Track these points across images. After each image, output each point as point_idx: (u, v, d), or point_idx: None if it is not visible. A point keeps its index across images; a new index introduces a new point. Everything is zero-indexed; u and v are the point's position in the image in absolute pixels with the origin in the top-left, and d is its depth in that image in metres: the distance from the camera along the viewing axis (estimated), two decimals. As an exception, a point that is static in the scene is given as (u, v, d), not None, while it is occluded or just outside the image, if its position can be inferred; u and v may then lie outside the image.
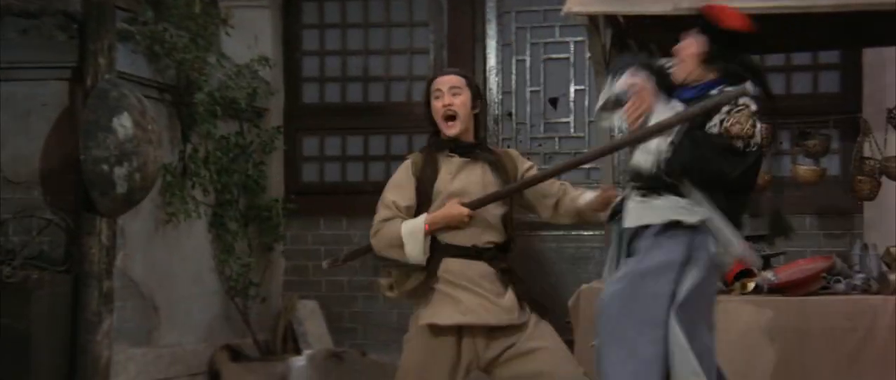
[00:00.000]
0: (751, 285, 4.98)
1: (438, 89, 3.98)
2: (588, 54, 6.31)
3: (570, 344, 5.07)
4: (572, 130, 6.99)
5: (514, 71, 7.07)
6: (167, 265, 6.09)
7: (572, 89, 7.00)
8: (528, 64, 7.05)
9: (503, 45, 7.10)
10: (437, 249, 3.87)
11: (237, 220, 6.54)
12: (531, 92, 7.05)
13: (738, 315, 4.77)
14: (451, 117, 3.93)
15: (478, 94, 4.04)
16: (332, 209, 7.01)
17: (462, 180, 3.94)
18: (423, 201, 3.93)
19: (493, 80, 7.11)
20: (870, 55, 6.26)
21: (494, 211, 3.91)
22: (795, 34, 5.32)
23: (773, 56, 6.58)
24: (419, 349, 3.89)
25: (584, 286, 5.15)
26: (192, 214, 6.15)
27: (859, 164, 5.71)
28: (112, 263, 5.35)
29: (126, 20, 5.69)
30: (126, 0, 5.55)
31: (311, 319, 6.72)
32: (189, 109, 6.14)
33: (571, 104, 7.01)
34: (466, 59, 7.00)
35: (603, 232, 5.66)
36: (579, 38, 6.73)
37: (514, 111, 7.04)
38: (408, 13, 7.19)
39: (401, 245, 3.85)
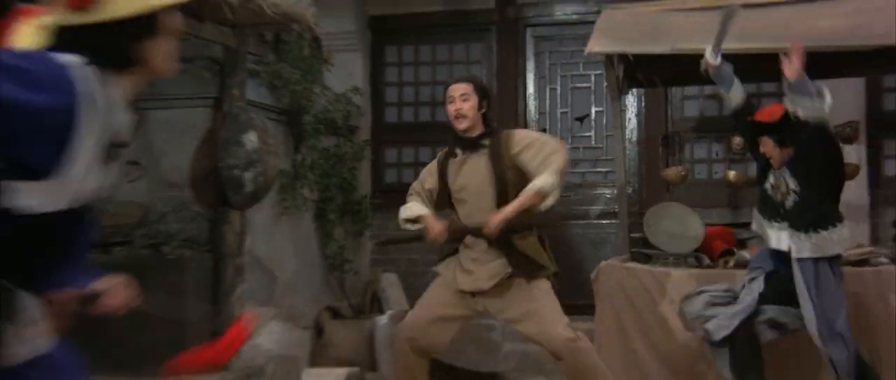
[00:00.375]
0: (732, 262, 5.00)
1: (451, 96, 3.96)
2: (605, 83, 6.29)
3: (590, 307, 5.17)
4: (593, 142, 6.97)
5: (547, 97, 7.07)
6: (283, 247, 6.16)
7: (593, 110, 6.99)
8: (558, 91, 7.04)
9: (539, 77, 7.09)
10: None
11: (335, 212, 6.59)
12: (561, 113, 7.05)
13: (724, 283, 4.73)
14: (460, 117, 3.96)
15: (484, 95, 3.98)
16: (407, 204, 7.09)
17: (464, 176, 3.98)
18: (442, 188, 4.02)
19: (531, 104, 7.09)
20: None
21: (488, 200, 3.91)
22: (764, 68, 5.19)
23: (745, 84, 6.53)
24: (433, 288, 4.08)
25: (602, 263, 5.16)
26: (301, 208, 6.24)
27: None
28: (242, 245, 5.43)
29: (254, 62, 5.82)
30: (254, 46, 5.64)
31: (391, 287, 6.72)
32: (299, 128, 6.24)
33: (592, 122, 6.99)
34: (511, 88, 7.04)
35: (618, 221, 5.72)
36: (598, 72, 6.74)
37: (547, 128, 7.01)
38: (466, 53, 7.21)
39: (401, 219, 4.05)
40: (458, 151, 3.99)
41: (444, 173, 4.03)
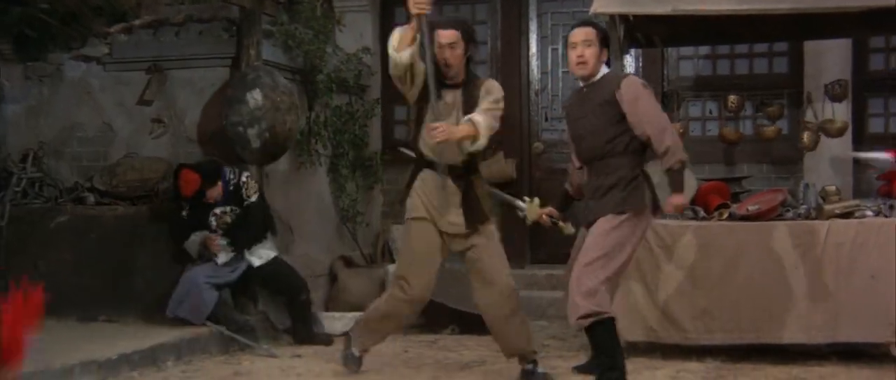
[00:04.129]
0: (726, 214, 4.95)
1: (440, 43, 3.85)
2: (606, 44, 6.34)
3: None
4: (593, 101, 6.94)
5: (549, 57, 6.98)
6: (299, 199, 6.16)
7: (593, 70, 6.96)
8: (560, 51, 6.90)
9: (541, 37, 7.00)
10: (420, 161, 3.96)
11: (348, 167, 6.56)
12: (563, 72, 6.92)
13: (719, 235, 4.80)
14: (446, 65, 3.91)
15: (471, 39, 3.93)
16: (415, 159, 7.01)
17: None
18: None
19: (534, 64, 7.01)
20: (809, 46, 6.17)
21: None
22: (757, 29, 5.29)
23: (741, 45, 6.49)
24: (412, 231, 4.01)
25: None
26: (315, 163, 6.23)
27: (803, 125, 5.69)
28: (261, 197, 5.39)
29: (269, 23, 5.75)
30: (269, 8, 5.57)
31: (401, 238, 6.66)
32: (313, 87, 6.18)
33: (593, 81, 6.96)
34: (514, 48, 6.93)
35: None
36: (598, 32, 6.72)
37: (549, 86, 6.96)
38: (472, 14, 7.09)
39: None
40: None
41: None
